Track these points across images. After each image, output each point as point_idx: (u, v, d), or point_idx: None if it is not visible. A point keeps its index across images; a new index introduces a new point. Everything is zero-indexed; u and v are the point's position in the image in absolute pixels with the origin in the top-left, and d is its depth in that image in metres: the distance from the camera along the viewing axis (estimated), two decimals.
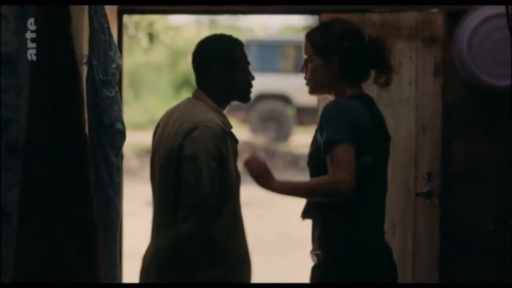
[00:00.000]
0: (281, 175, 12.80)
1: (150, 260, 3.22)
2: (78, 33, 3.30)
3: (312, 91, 3.39)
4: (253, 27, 20.50)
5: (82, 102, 2.72)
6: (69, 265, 2.45)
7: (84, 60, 3.44)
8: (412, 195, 4.11)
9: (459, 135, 4.22)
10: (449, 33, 4.12)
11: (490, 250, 4.19)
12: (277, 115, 14.66)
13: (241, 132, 14.48)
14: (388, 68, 3.31)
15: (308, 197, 3.14)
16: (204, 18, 18.87)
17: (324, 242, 3.13)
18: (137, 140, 13.75)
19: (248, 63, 3.35)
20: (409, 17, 4.13)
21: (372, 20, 4.17)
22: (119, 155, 3.59)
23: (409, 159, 4.02)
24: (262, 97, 14.49)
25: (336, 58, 3.24)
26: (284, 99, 14.53)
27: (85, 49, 3.41)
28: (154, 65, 17.73)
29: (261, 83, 14.02)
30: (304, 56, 3.35)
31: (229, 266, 3.19)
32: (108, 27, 3.45)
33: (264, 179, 3.06)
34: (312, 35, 3.33)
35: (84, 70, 3.40)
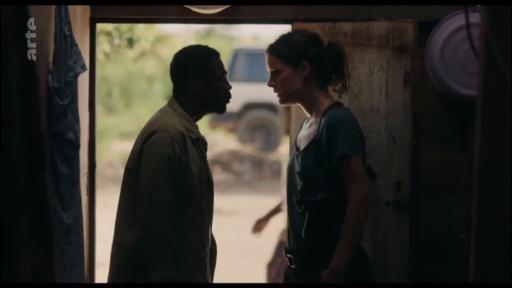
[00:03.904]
0: (269, 184, 12.79)
1: (116, 256, 3.25)
2: (44, 39, 3.30)
3: (285, 100, 3.48)
4: (245, 36, 20.53)
5: (37, 108, 2.73)
6: (27, 270, 2.45)
7: (50, 67, 3.45)
8: (382, 204, 4.11)
9: (429, 144, 4.23)
10: (419, 43, 4.14)
11: (461, 259, 4.19)
12: (265, 124, 14.67)
13: (229, 141, 14.47)
14: (346, 73, 3.48)
15: (357, 235, 3.31)
16: (198, 27, 18.88)
17: (312, 233, 3.33)
18: (127, 148, 13.75)
19: (225, 72, 3.38)
20: (379, 26, 4.14)
21: (343, 29, 4.18)
22: (73, 166, 3.56)
23: (379, 168, 4.02)
24: (250, 106, 14.51)
25: (306, 63, 3.40)
26: (272, 108, 14.54)
27: (50, 57, 3.42)
28: (146, 74, 17.76)
29: (250, 92, 14.05)
30: (270, 70, 3.44)
31: (186, 273, 3.19)
32: (71, 35, 3.46)
33: (339, 275, 3.27)
34: (276, 48, 3.45)
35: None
